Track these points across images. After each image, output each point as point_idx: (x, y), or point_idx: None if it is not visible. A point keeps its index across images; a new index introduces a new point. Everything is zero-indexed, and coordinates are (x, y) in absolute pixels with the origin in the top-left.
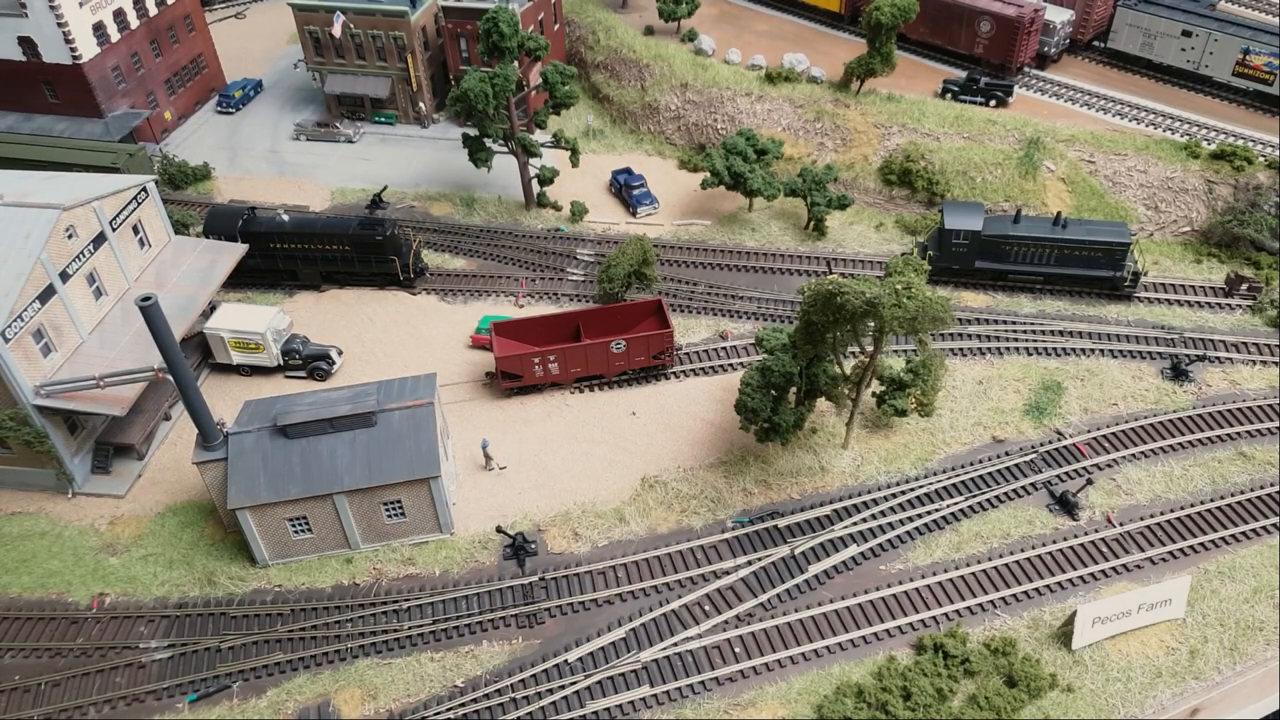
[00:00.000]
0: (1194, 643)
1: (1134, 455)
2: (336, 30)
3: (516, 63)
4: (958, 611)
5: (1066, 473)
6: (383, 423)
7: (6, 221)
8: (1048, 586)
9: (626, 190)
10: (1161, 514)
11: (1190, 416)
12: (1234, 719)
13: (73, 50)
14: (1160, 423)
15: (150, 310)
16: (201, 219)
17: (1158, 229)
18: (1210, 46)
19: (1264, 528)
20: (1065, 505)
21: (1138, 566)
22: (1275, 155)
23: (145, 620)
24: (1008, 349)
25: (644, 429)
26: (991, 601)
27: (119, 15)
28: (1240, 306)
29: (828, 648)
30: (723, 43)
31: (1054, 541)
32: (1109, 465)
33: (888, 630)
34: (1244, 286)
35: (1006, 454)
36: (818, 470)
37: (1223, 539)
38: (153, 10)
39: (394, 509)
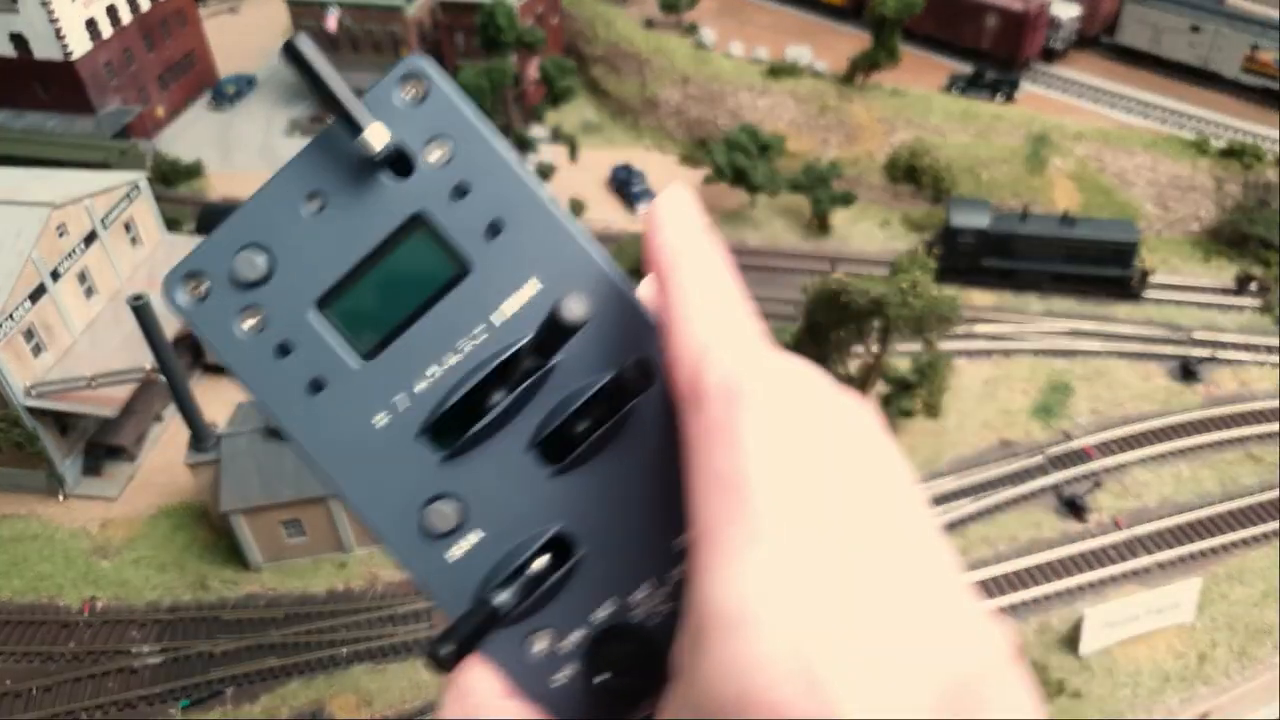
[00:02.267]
0: (1203, 647)
1: (1142, 457)
2: (331, 24)
3: (514, 56)
4: None
5: (1075, 476)
6: None
7: None
8: (1055, 591)
9: (626, 186)
10: (1170, 516)
11: (1199, 418)
12: None
13: (64, 47)
14: (1169, 424)
15: (142, 310)
16: (194, 216)
17: (1166, 227)
18: (1218, 42)
19: (1274, 531)
20: (1073, 508)
21: (1146, 570)
22: None
23: (137, 625)
24: (1015, 349)
25: None
26: (999, 606)
27: (111, 11)
28: (1249, 306)
29: None
30: (724, 36)
31: (1061, 545)
32: (1117, 467)
33: None
34: (1253, 286)
35: (1014, 456)
36: None
37: (1232, 542)
38: (145, 5)
39: None
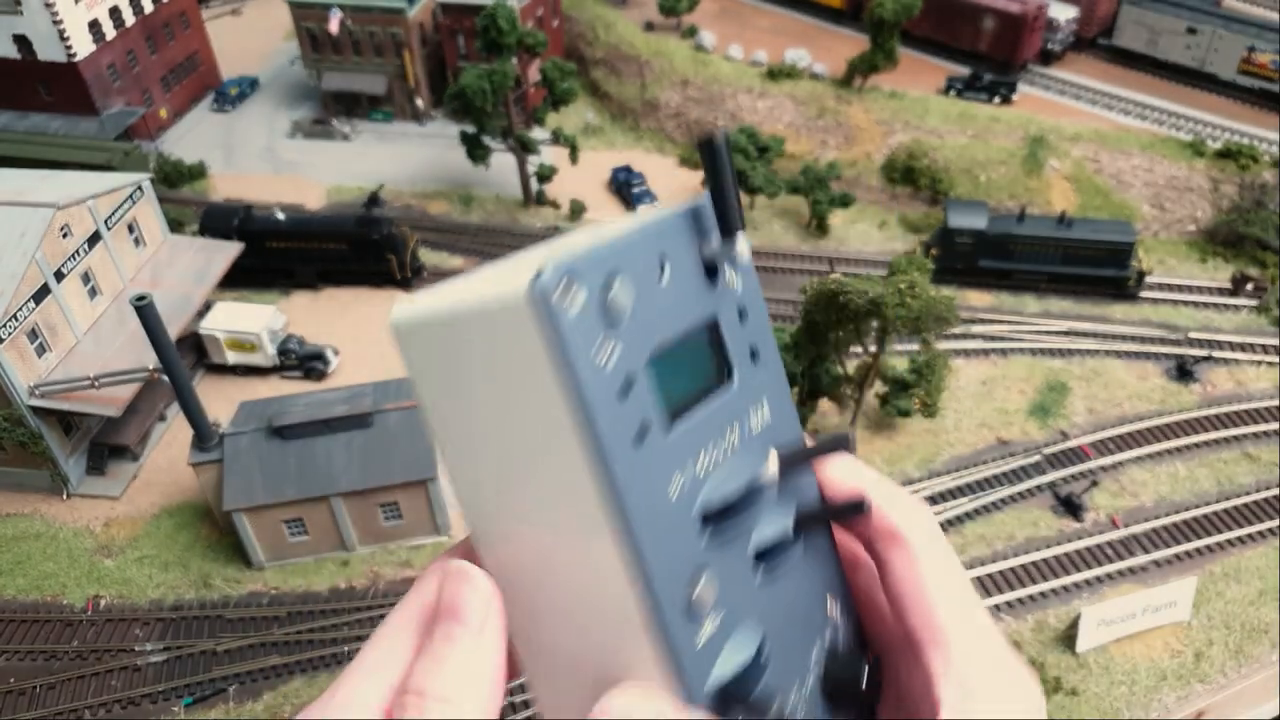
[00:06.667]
0: (1199, 645)
1: (1139, 456)
2: (333, 27)
3: (515, 59)
4: None
5: (1071, 474)
6: (379, 424)
7: (1, 221)
8: (1052, 589)
9: (626, 188)
10: (1167, 515)
11: (1196, 417)
12: None
13: (68, 48)
14: (1165, 423)
15: (145, 310)
16: (197, 217)
17: (1162, 228)
18: (1215, 44)
19: (1270, 529)
20: (1070, 507)
21: (1143, 569)
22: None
23: (141, 623)
24: (1012, 349)
25: None
26: (996, 605)
27: (114, 13)
28: (1245, 306)
29: None
30: (724, 39)
31: (1058, 544)
32: (1114, 467)
33: None
34: (1249, 286)
35: (1011, 455)
36: None
37: (1228, 541)
38: (148, 7)
39: (391, 511)
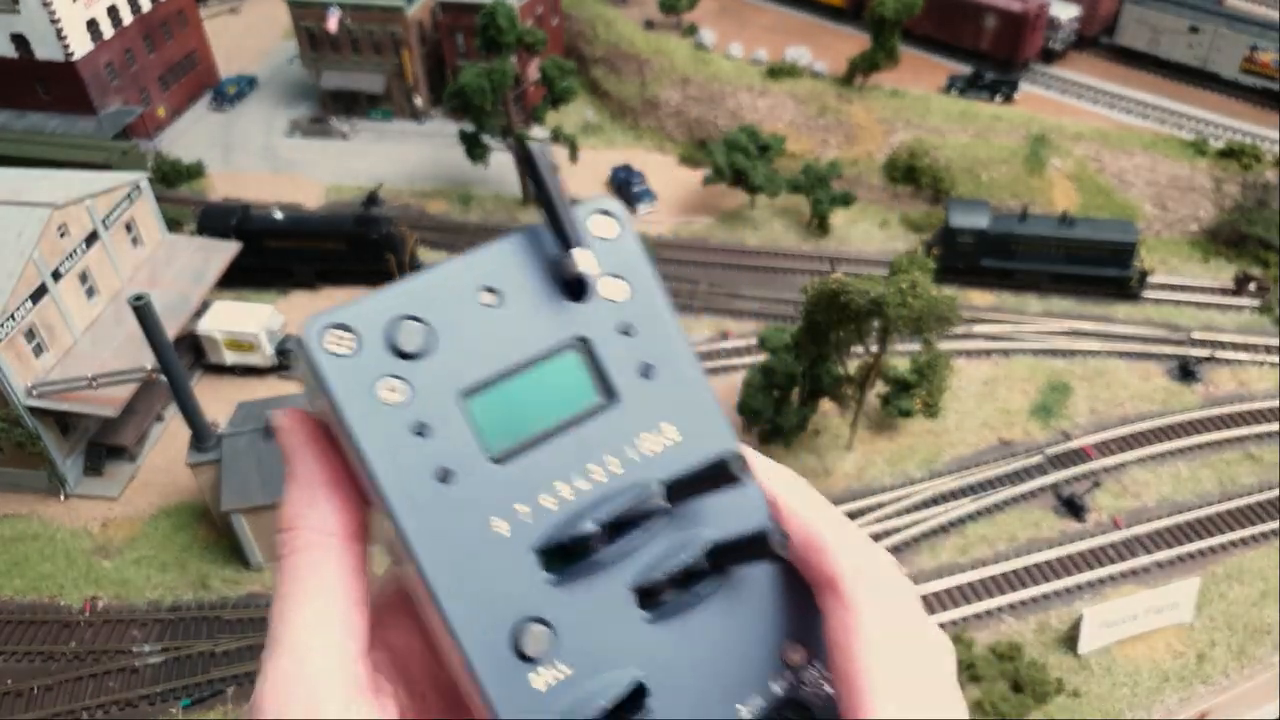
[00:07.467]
0: (1201, 646)
1: (1141, 457)
2: (332, 25)
3: (514, 57)
4: (964, 617)
5: (1073, 475)
6: None
7: None
8: (1054, 590)
9: (626, 187)
10: (1169, 516)
11: (1198, 418)
12: None
13: (66, 47)
14: (1168, 424)
15: (143, 310)
16: (195, 217)
17: (1165, 227)
18: (1217, 43)
19: (1272, 530)
20: (1072, 508)
21: (1145, 570)
22: None
23: (138, 624)
24: (1014, 349)
25: None
26: (998, 606)
27: (112, 11)
28: (1248, 306)
29: None
30: (724, 37)
31: (1060, 545)
32: (1116, 467)
33: None
34: (1252, 286)
35: (1013, 455)
36: (821, 473)
37: (1231, 542)
38: (146, 6)
39: None
